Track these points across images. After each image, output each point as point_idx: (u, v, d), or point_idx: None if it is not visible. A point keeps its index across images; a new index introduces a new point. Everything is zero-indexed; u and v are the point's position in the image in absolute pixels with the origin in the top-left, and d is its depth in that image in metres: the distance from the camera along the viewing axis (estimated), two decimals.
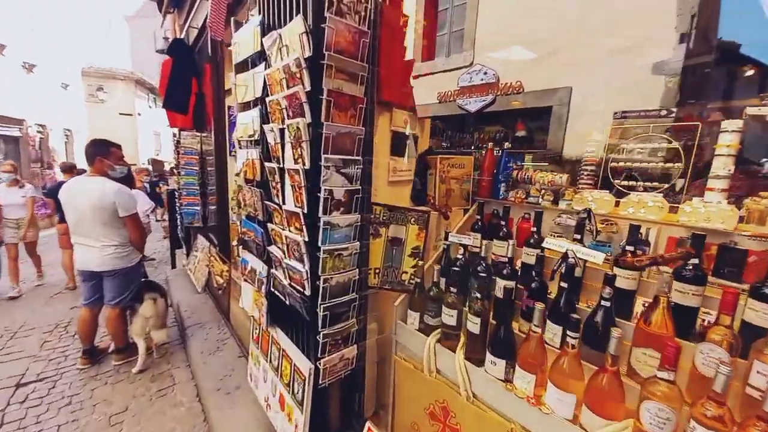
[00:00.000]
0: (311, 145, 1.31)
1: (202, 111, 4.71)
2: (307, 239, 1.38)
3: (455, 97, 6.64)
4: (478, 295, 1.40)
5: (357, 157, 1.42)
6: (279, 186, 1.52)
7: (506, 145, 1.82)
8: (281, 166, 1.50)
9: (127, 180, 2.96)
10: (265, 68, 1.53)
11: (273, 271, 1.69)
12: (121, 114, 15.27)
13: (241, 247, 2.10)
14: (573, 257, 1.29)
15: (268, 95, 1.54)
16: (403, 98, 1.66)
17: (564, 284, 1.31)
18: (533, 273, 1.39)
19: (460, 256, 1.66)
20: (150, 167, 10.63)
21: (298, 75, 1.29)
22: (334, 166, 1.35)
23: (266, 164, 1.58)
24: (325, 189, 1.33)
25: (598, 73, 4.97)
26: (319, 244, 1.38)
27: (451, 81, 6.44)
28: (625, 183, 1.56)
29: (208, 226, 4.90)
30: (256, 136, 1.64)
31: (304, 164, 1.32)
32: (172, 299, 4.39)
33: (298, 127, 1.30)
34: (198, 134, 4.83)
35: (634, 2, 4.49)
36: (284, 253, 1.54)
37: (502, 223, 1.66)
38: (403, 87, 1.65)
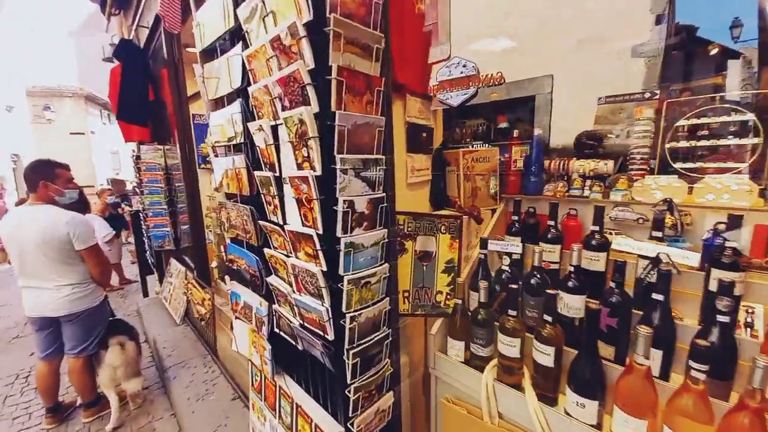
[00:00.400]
0: (321, 142, 0.97)
1: (162, 121, 4.21)
2: (325, 268, 1.03)
3: (435, 92, 6.41)
4: (549, 318, 1.11)
5: (379, 156, 1.10)
6: (277, 201, 1.17)
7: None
8: (277, 174, 1.15)
9: (80, 205, 2.48)
10: (243, 49, 1.17)
11: (276, 307, 1.33)
12: (72, 133, 14.05)
13: (228, 277, 1.71)
14: (668, 261, 1.03)
15: (250, 84, 1.19)
16: (422, 81, 1.35)
17: (659, 296, 1.04)
18: (613, 284, 1.12)
19: (506, 268, 1.37)
20: (110, 188, 9.77)
21: (294, 48, 0.95)
22: (353, 169, 1.02)
23: (256, 174, 1.22)
24: (343, 200, 0.99)
25: (579, 59, 4.91)
26: (341, 272, 1.04)
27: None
28: (690, 165, 1.33)
29: (182, 248, 4.41)
30: (239, 139, 1.27)
31: (313, 169, 0.98)
32: (147, 334, 3.87)
33: (301, 120, 0.95)
34: (160, 147, 4.32)
35: None
36: (291, 287, 1.19)
37: (551, 223, 1.39)
38: (423, 66, 1.33)
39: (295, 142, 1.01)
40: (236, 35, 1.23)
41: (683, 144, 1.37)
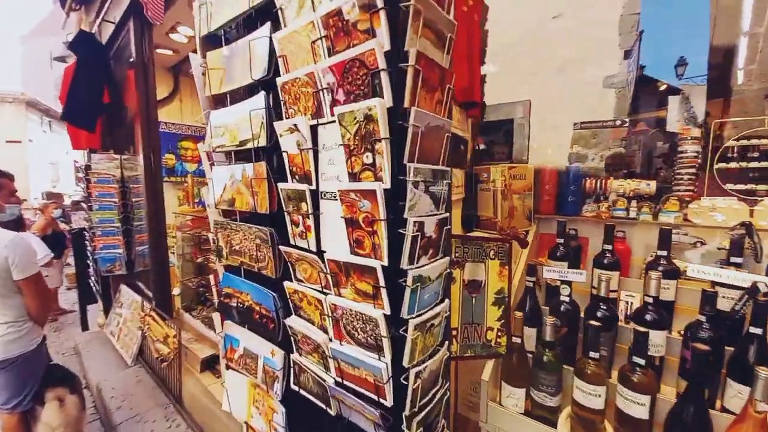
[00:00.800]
0: (392, 146, 0.75)
1: (121, 127, 3.74)
2: (389, 311, 0.79)
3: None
4: (641, 361, 0.94)
5: (445, 167, 0.89)
6: (310, 221, 0.91)
7: None
8: (313, 187, 0.90)
9: (17, 224, 1.99)
10: (273, 30, 0.94)
11: (297, 358, 1.03)
12: (8, 142, 12.46)
13: (217, 315, 1.38)
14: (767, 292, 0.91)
15: (278, 74, 0.95)
16: (468, 86, 1.18)
17: (756, 330, 0.92)
18: (703, 317, 0.98)
19: (566, 298, 1.20)
20: (55, 201, 8.54)
21: (361, 25, 0.74)
22: (424, 183, 0.80)
23: (282, 186, 0.96)
24: (414, 221, 0.77)
25: (556, 87, 5.19)
26: (405, 314, 0.80)
27: None
28: (741, 187, 1.29)
29: (136, 272, 3.83)
30: (258, 142, 1.01)
31: (381, 180, 0.75)
32: (89, 379, 3.22)
33: (368, 116, 0.73)
34: (116, 157, 3.80)
35: (586, 23, 4.81)
36: (326, 333, 0.92)
37: (608, 247, 1.26)
38: (473, 69, 1.18)
39: (353, 146, 0.78)
40: (262, 14, 0.99)
41: (734, 165, 1.33)
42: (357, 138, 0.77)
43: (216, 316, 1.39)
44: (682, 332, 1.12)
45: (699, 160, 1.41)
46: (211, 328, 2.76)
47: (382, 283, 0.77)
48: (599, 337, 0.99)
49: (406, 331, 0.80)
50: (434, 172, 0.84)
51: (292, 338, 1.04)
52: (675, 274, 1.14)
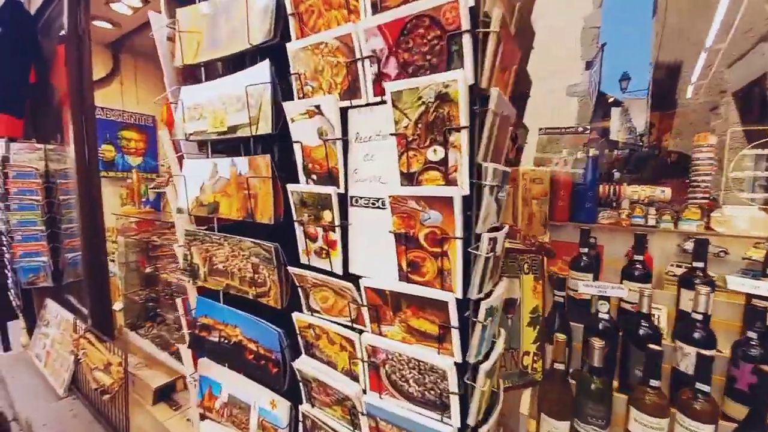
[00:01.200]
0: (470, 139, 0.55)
1: (47, 111, 3.13)
2: (460, 359, 0.59)
3: None
4: (705, 388, 0.84)
5: (506, 168, 0.72)
6: (335, 235, 0.68)
7: None
8: (341, 190, 0.68)
9: None
10: None
11: (309, 410, 0.80)
12: None
13: (186, 350, 1.08)
14: None
15: (289, 38, 0.71)
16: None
17: None
18: (754, 334, 0.91)
19: (605, 316, 1.08)
20: None
21: None
22: (497, 186, 0.62)
23: (294, 189, 0.72)
24: (488, 238, 0.58)
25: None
26: (472, 358, 0.61)
27: None
28: (756, 195, 1.28)
29: (66, 284, 3.25)
30: (258, 128, 0.75)
31: (455, 183, 0.55)
32: (17, 412, 2.60)
33: (442, 95, 0.53)
34: (40, 146, 3.19)
35: (556, 35, 5.01)
36: (361, 383, 0.70)
37: (638, 257, 1.17)
38: None
39: (412, 137, 0.57)
40: None
41: (749, 173, 1.32)
42: (420, 126, 0.56)
43: (185, 352, 1.09)
44: (720, 349, 1.06)
45: (715, 167, 1.40)
46: (164, 349, 2.36)
47: (454, 322, 0.57)
48: (660, 363, 0.88)
49: (471, 379, 0.62)
50: (503, 174, 0.66)
51: (302, 385, 0.80)
52: (712, 286, 1.08)
